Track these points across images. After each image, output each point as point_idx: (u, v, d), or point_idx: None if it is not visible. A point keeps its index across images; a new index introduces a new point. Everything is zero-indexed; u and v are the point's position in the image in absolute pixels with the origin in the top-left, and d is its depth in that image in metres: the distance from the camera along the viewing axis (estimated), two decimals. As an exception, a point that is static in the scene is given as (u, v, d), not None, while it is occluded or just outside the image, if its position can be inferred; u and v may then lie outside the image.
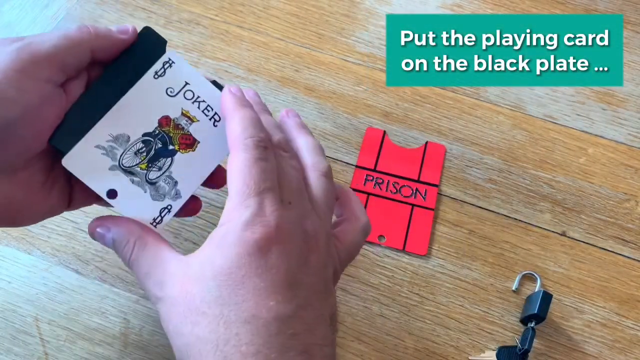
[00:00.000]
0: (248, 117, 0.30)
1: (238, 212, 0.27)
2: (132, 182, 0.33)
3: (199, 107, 0.35)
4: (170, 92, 0.34)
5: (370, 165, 0.46)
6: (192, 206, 0.35)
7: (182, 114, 0.34)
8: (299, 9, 0.55)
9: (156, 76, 0.34)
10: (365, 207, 0.44)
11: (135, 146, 0.33)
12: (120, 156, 0.33)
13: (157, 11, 0.54)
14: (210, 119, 0.35)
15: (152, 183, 0.33)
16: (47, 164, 0.32)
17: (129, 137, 0.33)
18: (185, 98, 0.34)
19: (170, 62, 0.34)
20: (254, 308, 0.26)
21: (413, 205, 0.45)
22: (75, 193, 0.33)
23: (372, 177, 0.46)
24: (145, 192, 0.33)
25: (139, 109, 0.33)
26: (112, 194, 0.32)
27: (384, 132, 0.48)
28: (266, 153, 0.29)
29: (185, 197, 0.34)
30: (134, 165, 0.33)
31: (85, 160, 0.32)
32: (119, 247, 0.30)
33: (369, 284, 0.41)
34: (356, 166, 0.46)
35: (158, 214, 0.33)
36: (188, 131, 0.34)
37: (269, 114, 0.34)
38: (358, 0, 0.55)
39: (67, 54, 0.30)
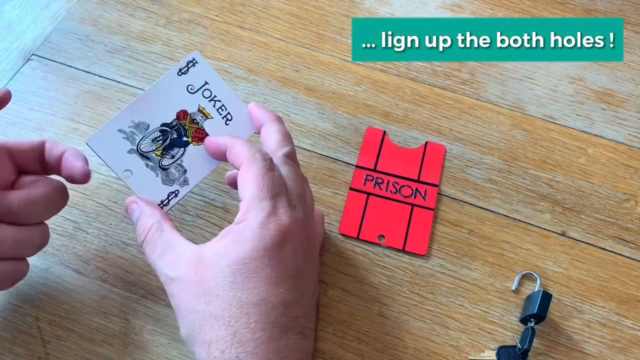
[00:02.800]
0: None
1: (254, 212, 0.30)
2: (147, 166, 0.36)
3: (214, 106, 0.38)
4: (191, 89, 0.37)
5: (370, 165, 0.46)
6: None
7: (199, 110, 0.38)
8: (299, 9, 0.55)
9: (180, 73, 0.37)
10: (365, 207, 0.44)
11: (153, 134, 0.36)
12: (139, 142, 0.36)
13: (157, 11, 0.54)
14: (223, 118, 0.38)
15: (164, 169, 0.37)
16: None
17: (148, 126, 0.36)
18: (203, 96, 0.38)
19: (194, 61, 0.37)
20: (265, 293, 0.29)
21: (413, 205, 0.45)
22: None
23: (372, 177, 0.46)
24: (157, 176, 0.36)
25: (160, 101, 0.36)
26: (127, 174, 0.36)
27: (384, 132, 0.48)
28: (272, 164, 0.33)
29: (192, 185, 0.38)
30: (150, 151, 0.36)
31: (108, 141, 0.35)
32: (139, 224, 0.34)
33: (369, 284, 0.41)
34: (356, 166, 0.46)
35: (166, 197, 0.37)
36: (202, 126, 0.38)
37: (282, 122, 0.37)
38: (358, 0, 0.56)
39: None
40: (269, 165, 0.32)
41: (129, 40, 0.52)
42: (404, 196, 0.45)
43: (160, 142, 0.36)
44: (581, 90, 0.51)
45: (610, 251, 0.43)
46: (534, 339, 0.39)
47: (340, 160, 0.47)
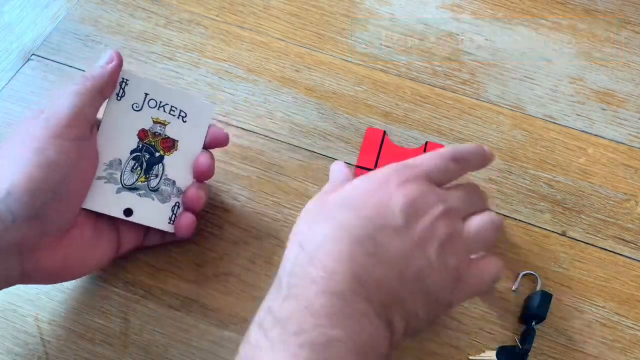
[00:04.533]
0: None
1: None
2: (140, 195, 0.37)
3: (164, 111, 0.38)
4: (136, 107, 0.37)
5: (370, 165, 0.46)
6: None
7: (154, 122, 0.38)
8: (299, 9, 0.55)
9: (119, 98, 0.37)
10: (366, 207, 0.44)
11: (128, 165, 0.37)
12: (120, 178, 0.36)
13: (157, 11, 0.54)
14: (178, 117, 0.39)
15: (155, 190, 0.38)
16: (92, 217, 0.36)
17: (120, 160, 0.36)
18: (150, 107, 0.38)
19: (125, 80, 0.37)
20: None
21: (413, 205, 0.44)
22: (122, 238, 0.38)
23: (372, 177, 0.46)
24: (153, 200, 0.37)
25: (117, 133, 0.37)
26: (128, 212, 0.37)
27: (384, 132, 0.48)
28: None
29: None
30: (135, 181, 0.37)
31: (97, 195, 0.35)
32: None
33: (369, 284, 0.41)
34: (356, 166, 0.46)
35: (171, 212, 0.38)
36: (165, 135, 0.38)
37: None
38: (358, 0, 0.56)
39: (85, 107, 0.33)
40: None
41: (129, 40, 0.52)
42: (404, 196, 0.45)
43: (139, 168, 0.37)
44: (581, 90, 0.51)
45: (610, 251, 0.43)
46: (534, 339, 0.38)
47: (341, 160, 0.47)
